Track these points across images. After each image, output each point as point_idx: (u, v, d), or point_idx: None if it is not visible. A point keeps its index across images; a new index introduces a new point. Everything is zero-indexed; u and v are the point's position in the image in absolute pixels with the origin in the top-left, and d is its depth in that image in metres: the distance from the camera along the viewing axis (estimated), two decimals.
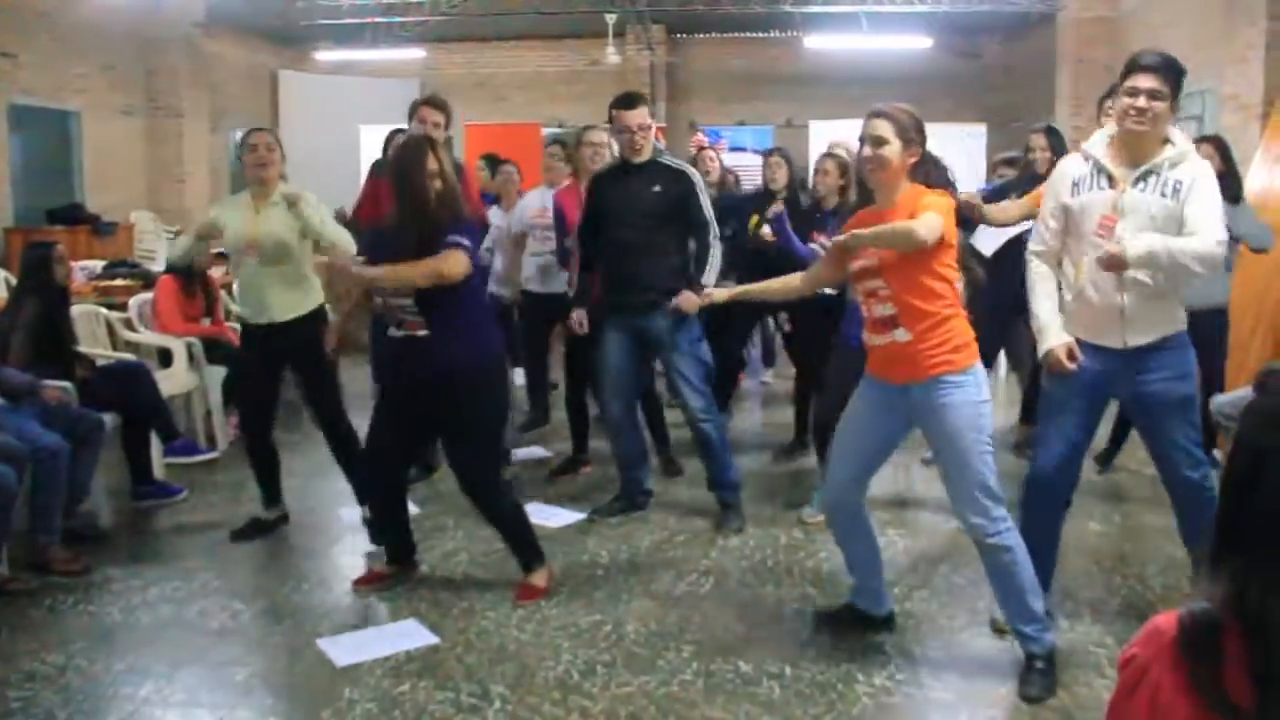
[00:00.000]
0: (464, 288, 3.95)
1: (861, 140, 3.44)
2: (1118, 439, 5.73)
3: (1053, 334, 3.54)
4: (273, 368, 4.86)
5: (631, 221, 4.80)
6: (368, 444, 4.23)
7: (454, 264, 3.83)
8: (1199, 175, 3.42)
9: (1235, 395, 4.71)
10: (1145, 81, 3.35)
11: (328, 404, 4.84)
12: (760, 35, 15.30)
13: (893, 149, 3.37)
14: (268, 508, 4.95)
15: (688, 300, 4.67)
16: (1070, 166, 3.59)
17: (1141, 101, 3.34)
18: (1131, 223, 3.39)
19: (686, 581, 4.33)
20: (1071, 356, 3.50)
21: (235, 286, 4.96)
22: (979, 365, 3.43)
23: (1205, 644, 1.22)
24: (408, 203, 3.92)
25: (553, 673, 3.53)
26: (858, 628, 3.80)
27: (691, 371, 4.88)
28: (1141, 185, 3.42)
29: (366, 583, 4.26)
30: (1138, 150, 3.43)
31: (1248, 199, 5.80)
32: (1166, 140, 3.46)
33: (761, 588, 4.27)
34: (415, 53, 14.63)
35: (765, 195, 6.18)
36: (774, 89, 15.39)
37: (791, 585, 4.27)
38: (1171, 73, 3.38)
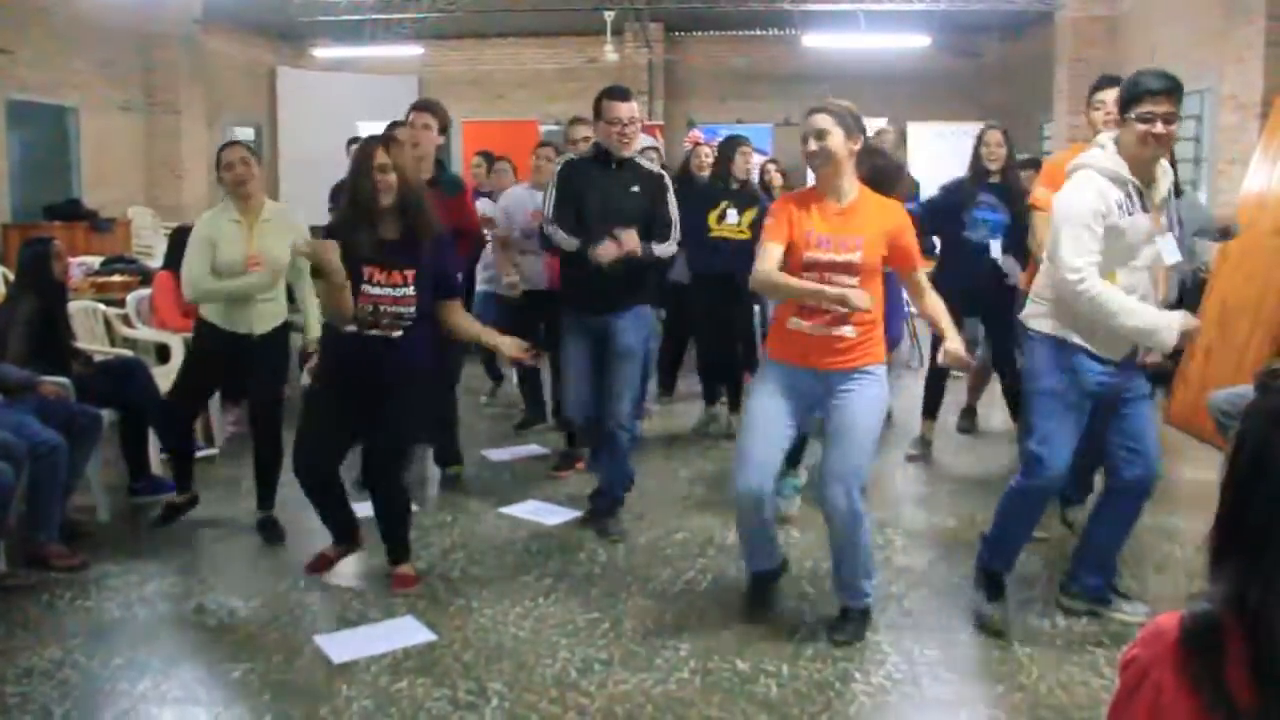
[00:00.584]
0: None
1: (804, 138, 3.58)
2: None
3: (1168, 319, 3.46)
4: (218, 372, 4.85)
5: (607, 221, 4.64)
6: (307, 438, 4.14)
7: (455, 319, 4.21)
8: (1174, 203, 3.73)
9: (1233, 393, 4.71)
10: (1161, 106, 3.40)
11: (272, 425, 4.84)
12: (758, 33, 15.29)
13: (836, 140, 3.52)
14: (181, 492, 4.95)
15: (606, 250, 4.55)
16: (1109, 189, 3.46)
17: (1160, 128, 3.42)
18: (1166, 239, 3.59)
19: (684, 579, 4.34)
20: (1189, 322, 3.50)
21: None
22: None
23: (1207, 644, 1.22)
24: (361, 205, 3.91)
25: (550, 670, 3.53)
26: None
27: (633, 379, 4.81)
28: (1162, 213, 3.62)
29: (317, 569, 4.32)
30: (1149, 169, 3.54)
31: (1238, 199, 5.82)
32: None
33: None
34: (413, 49, 14.62)
35: (724, 186, 6.39)
36: (772, 87, 15.41)
37: (789, 584, 4.26)
38: (1179, 92, 3.46)
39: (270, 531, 4.81)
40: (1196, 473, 5.62)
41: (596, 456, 5.17)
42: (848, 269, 3.53)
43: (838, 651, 3.66)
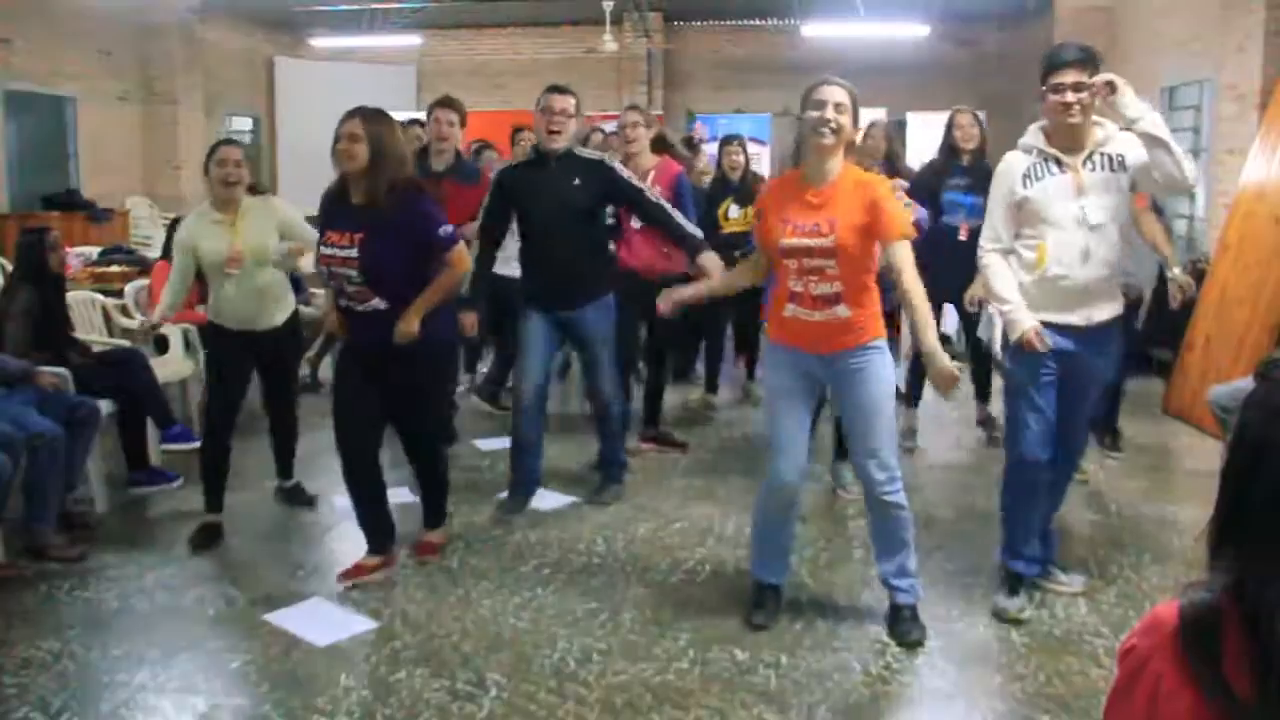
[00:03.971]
0: (422, 269, 4.04)
1: (818, 104, 3.51)
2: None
3: (1025, 317, 3.67)
4: (246, 372, 4.85)
5: (554, 217, 4.75)
6: (337, 430, 4.20)
7: (464, 262, 4.15)
8: (1133, 145, 3.65)
9: (1234, 386, 4.72)
10: (1068, 76, 3.59)
11: (289, 405, 5.04)
12: (757, 23, 15.28)
13: (847, 119, 3.53)
14: (213, 510, 4.74)
15: (670, 300, 4.58)
16: (1015, 162, 3.76)
17: (1069, 96, 3.57)
18: (1094, 200, 3.64)
19: (683, 570, 4.34)
20: (1040, 338, 3.65)
21: (211, 299, 4.81)
22: None
23: (1205, 634, 1.21)
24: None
25: (549, 660, 3.53)
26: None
27: (609, 360, 5.00)
28: (1090, 165, 3.66)
29: (351, 575, 4.19)
30: (1074, 138, 3.67)
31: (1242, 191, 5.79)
32: (1096, 124, 3.72)
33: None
34: (412, 39, 14.60)
35: (724, 183, 6.71)
36: (771, 76, 15.37)
37: (788, 574, 4.26)
38: (1091, 63, 3.61)
39: (296, 497, 5.03)
40: (1195, 463, 5.62)
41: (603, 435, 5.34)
42: (824, 253, 3.49)
43: (836, 642, 3.66)
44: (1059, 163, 3.66)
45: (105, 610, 3.96)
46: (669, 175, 5.68)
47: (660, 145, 5.84)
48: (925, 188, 5.95)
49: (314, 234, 4.59)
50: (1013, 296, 3.71)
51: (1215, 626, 1.21)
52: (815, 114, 3.50)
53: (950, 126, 5.96)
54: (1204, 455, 5.68)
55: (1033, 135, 3.76)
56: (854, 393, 3.62)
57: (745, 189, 6.67)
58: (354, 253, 3.91)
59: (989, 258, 3.81)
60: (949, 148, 5.95)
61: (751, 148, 7.53)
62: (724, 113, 14.90)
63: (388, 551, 4.29)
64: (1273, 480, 1.22)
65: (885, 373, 3.63)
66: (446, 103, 5.73)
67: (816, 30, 13.41)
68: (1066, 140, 3.67)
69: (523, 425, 5.05)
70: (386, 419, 4.23)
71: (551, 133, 4.73)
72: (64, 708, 3.23)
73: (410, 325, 3.95)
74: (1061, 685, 3.36)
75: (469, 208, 5.19)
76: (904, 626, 3.70)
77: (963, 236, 5.69)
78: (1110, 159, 3.65)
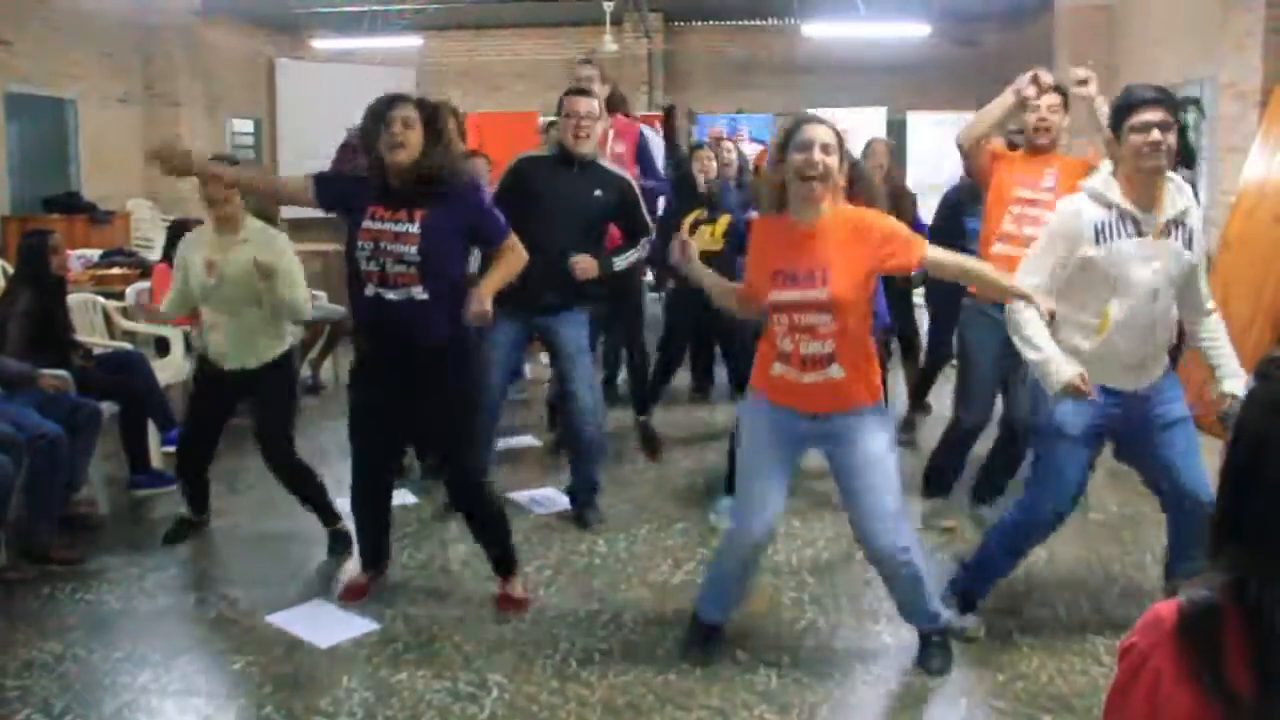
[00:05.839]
0: (462, 265, 3.88)
1: (804, 145, 3.13)
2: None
3: (1064, 364, 3.29)
4: (226, 406, 4.62)
5: (565, 220, 4.57)
6: (355, 459, 3.98)
7: (522, 251, 3.88)
8: (1198, 225, 3.43)
9: None
10: (1153, 114, 3.23)
11: (284, 445, 4.52)
12: (758, 23, 15.28)
13: (835, 161, 3.15)
14: (198, 513, 4.75)
15: (585, 265, 4.60)
16: (1086, 211, 3.36)
17: (1155, 135, 3.22)
18: (1164, 272, 3.35)
19: (684, 570, 4.33)
20: (1086, 382, 3.28)
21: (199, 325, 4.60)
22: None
23: (1205, 633, 1.21)
24: (374, 154, 3.66)
25: (550, 661, 3.53)
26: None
27: (588, 374, 4.81)
28: (1167, 233, 3.35)
29: (353, 596, 4.06)
30: (1151, 189, 3.33)
31: (1244, 189, 5.78)
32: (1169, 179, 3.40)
33: (759, 577, 4.26)
34: (412, 41, 14.60)
35: (690, 189, 6.12)
36: (771, 77, 15.37)
37: (789, 574, 4.27)
38: (1170, 103, 3.30)
39: (337, 544, 4.54)
40: None
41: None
42: (818, 307, 3.14)
43: (838, 641, 3.66)
44: (1136, 223, 3.31)
45: (107, 612, 3.96)
46: (631, 135, 5.53)
47: (613, 104, 5.59)
48: (948, 214, 5.89)
49: (299, 283, 4.47)
50: (1046, 345, 3.32)
51: (1215, 624, 1.21)
52: (801, 157, 3.13)
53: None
54: (1206, 454, 5.66)
55: (1105, 184, 3.36)
56: (851, 451, 3.27)
57: (712, 200, 6.04)
58: (414, 229, 3.59)
59: (1025, 309, 3.37)
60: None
61: (752, 147, 7.41)
62: (725, 113, 14.90)
63: (378, 566, 4.19)
64: (1273, 478, 1.22)
65: (883, 432, 3.31)
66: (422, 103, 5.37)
67: (817, 30, 13.39)
68: (1144, 194, 3.31)
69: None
70: (406, 443, 3.94)
71: (579, 138, 4.62)
72: (66, 710, 3.23)
73: (484, 304, 3.60)
74: (1063, 683, 3.36)
75: None
76: (931, 656, 3.48)
77: None
78: (1185, 233, 3.36)
